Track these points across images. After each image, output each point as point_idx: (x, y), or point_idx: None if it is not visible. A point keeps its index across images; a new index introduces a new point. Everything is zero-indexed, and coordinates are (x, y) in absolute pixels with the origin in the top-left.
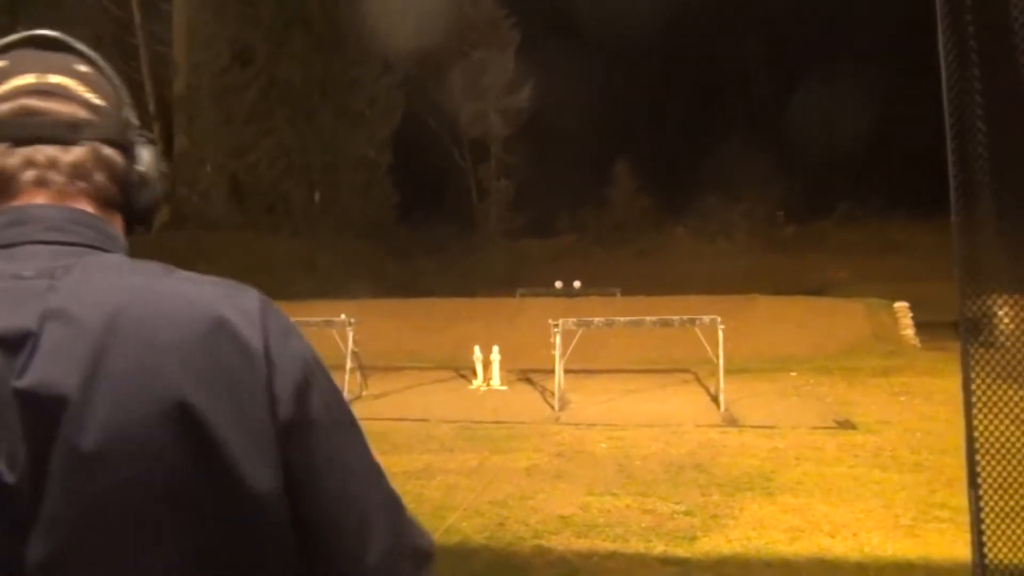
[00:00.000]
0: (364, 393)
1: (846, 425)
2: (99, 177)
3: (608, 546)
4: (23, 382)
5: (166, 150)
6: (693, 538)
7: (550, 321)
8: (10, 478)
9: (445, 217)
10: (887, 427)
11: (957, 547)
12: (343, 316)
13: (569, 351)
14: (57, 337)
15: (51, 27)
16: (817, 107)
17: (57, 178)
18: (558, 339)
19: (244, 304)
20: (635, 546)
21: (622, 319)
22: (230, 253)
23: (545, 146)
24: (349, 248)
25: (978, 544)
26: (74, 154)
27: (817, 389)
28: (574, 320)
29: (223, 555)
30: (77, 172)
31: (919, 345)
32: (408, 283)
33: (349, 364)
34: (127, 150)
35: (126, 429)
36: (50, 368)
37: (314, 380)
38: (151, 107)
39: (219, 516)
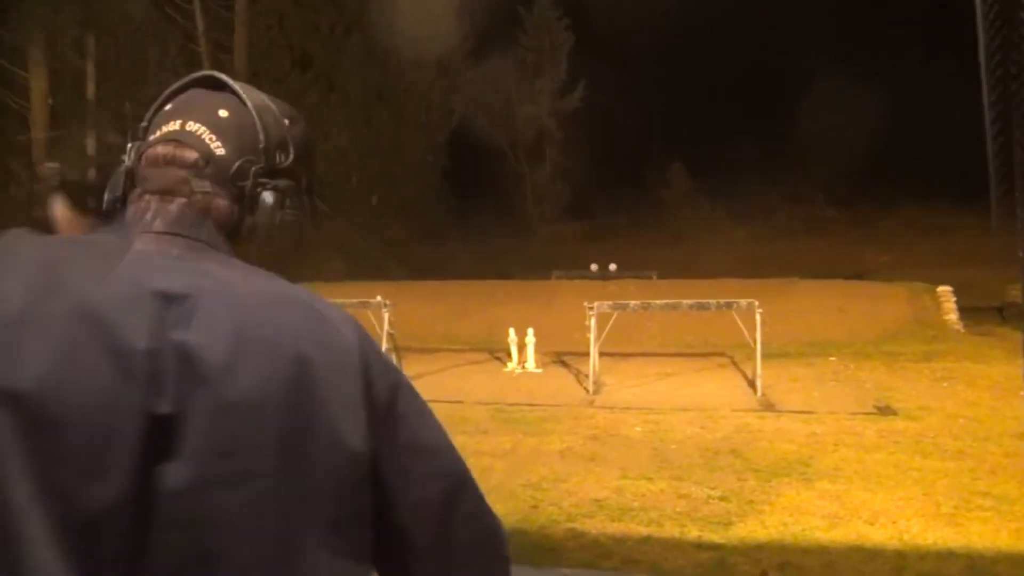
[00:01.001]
0: None
1: (886, 411)
2: (205, 227)
3: (642, 530)
4: (185, 335)
5: None
6: (728, 524)
7: (585, 304)
8: (163, 408)
9: (499, 221)
10: (928, 413)
11: (1000, 536)
12: (379, 298)
13: (604, 334)
14: (210, 308)
15: (119, 37)
16: (859, 88)
17: (161, 225)
18: (593, 322)
19: (336, 311)
20: (669, 531)
21: (658, 302)
22: None
23: (595, 143)
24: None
25: None
26: (180, 204)
27: (857, 374)
28: (609, 303)
29: (321, 499)
30: (180, 221)
31: (962, 330)
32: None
33: (385, 345)
34: (243, 199)
35: (259, 386)
36: (206, 330)
37: (397, 384)
38: None
39: (318, 461)
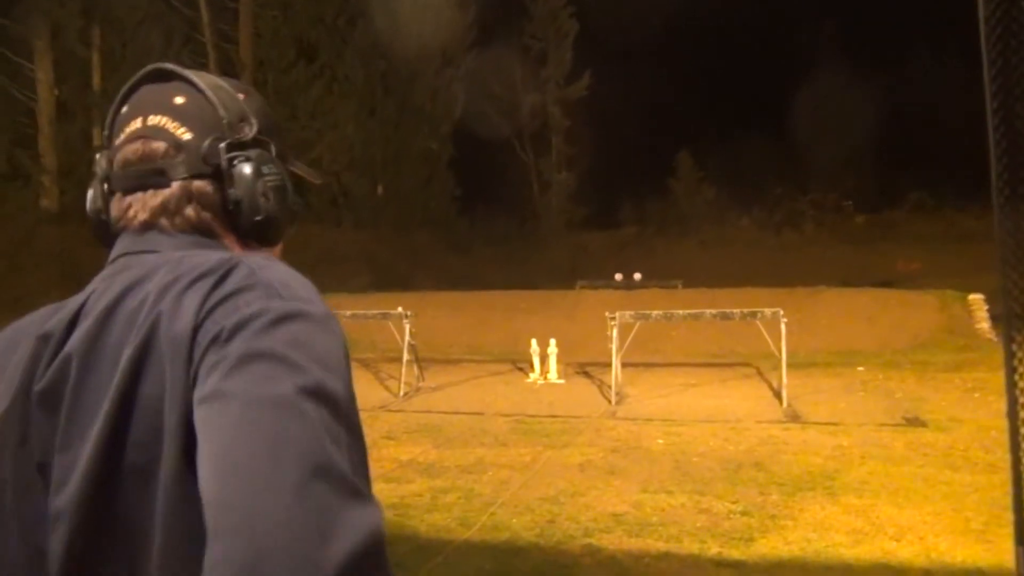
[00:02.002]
0: (421, 385)
1: (915, 422)
2: (189, 211)
3: (660, 546)
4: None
5: None
6: (750, 539)
7: (607, 314)
8: (37, 457)
9: (506, 210)
10: (959, 425)
11: None
12: (400, 309)
13: (627, 344)
14: (83, 325)
15: (124, 27)
16: (888, 92)
17: (143, 216)
18: (615, 332)
19: (210, 266)
20: (688, 547)
21: (681, 312)
22: (294, 245)
23: (606, 138)
24: (410, 241)
25: None
26: (162, 196)
27: (886, 384)
28: (631, 313)
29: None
30: (163, 211)
31: (995, 339)
32: (469, 275)
33: (406, 356)
34: (220, 176)
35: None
36: (66, 352)
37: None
38: None
39: (136, 448)
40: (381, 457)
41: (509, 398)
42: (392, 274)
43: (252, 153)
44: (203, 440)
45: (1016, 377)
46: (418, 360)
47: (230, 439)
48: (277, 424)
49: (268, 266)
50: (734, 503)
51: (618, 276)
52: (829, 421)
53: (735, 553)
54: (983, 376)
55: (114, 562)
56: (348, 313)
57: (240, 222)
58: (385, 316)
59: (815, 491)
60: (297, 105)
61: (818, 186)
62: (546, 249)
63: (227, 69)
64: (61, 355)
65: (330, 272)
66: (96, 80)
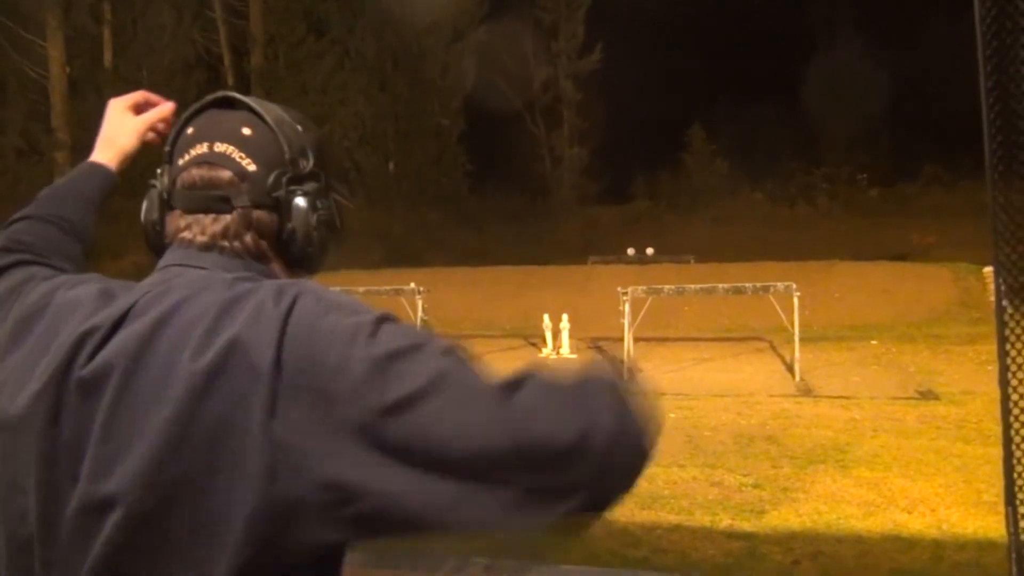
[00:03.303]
0: None
1: (928, 395)
2: (247, 238)
3: (672, 519)
4: (83, 373)
5: None
6: (761, 512)
7: (619, 289)
8: (64, 435)
9: (518, 184)
10: (972, 398)
11: None
12: (412, 285)
13: (639, 319)
14: (133, 325)
15: (134, 3)
16: (903, 64)
17: (201, 238)
18: (627, 307)
19: (274, 292)
20: (700, 519)
21: (693, 287)
22: None
23: (618, 111)
24: (422, 217)
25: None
26: (222, 222)
27: (899, 358)
28: (643, 288)
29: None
30: (223, 235)
31: (1010, 311)
32: (481, 251)
33: None
34: (279, 208)
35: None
36: (114, 347)
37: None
38: (230, 80)
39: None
40: None
41: None
42: (404, 250)
43: (309, 187)
44: (423, 439)
45: (1008, 347)
46: None
47: (465, 412)
48: (477, 375)
49: (324, 289)
50: (746, 476)
51: (630, 251)
52: (842, 395)
53: (746, 525)
54: (996, 348)
55: (159, 557)
56: (361, 289)
57: (292, 250)
58: (398, 292)
59: (827, 464)
60: (308, 80)
61: (832, 159)
62: (558, 224)
63: (239, 45)
64: (109, 347)
65: (342, 247)
66: (107, 57)
